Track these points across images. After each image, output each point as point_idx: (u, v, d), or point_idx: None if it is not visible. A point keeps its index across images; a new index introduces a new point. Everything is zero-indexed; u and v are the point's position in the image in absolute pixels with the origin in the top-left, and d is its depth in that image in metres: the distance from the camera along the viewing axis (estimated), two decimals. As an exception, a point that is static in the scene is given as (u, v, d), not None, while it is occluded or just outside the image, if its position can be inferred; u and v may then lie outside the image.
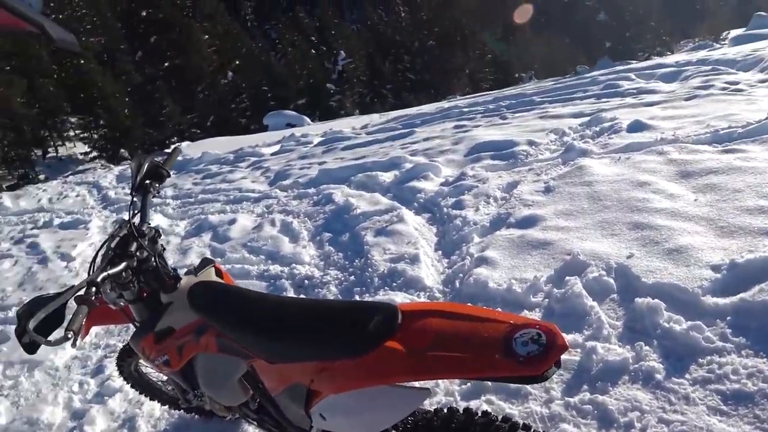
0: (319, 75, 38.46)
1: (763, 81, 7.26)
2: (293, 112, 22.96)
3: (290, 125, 19.63)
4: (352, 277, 3.87)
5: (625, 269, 2.89)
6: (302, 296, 3.79)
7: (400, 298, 3.33)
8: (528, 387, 2.39)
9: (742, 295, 2.49)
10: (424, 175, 5.64)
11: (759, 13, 19.05)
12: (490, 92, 15.74)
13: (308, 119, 21.95)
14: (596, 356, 2.38)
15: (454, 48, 39.66)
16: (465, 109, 10.59)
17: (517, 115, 8.54)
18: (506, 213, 4.15)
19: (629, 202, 3.69)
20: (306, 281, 4.02)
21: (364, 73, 41.44)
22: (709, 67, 9.23)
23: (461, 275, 3.43)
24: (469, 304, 2.84)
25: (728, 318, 2.42)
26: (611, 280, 2.87)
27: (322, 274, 4.06)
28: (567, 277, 2.98)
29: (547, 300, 2.92)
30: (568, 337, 2.56)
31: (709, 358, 2.26)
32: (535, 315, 2.87)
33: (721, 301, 2.49)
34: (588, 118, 6.67)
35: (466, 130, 7.92)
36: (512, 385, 2.37)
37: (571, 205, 3.96)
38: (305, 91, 37.59)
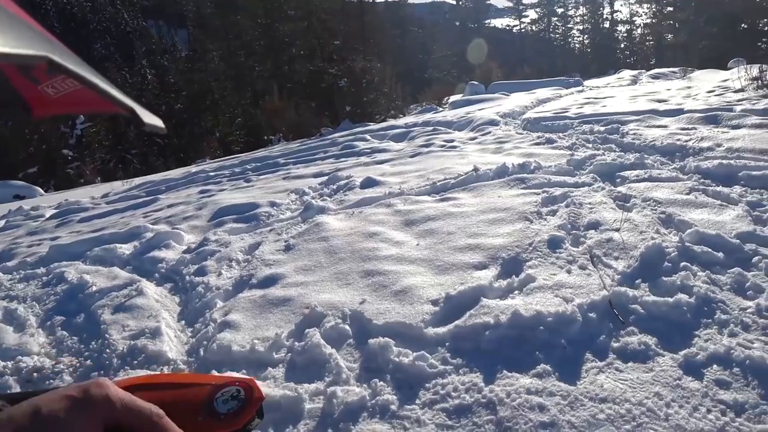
0: (52, 140, 35.24)
1: (472, 138, 9.30)
2: (22, 182, 20.85)
3: (18, 197, 18.46)
4: (89, 362, 3.76)
5: (358, 315, 3.49)
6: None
7: (136, 378, 3.37)
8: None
9: (456, 322, 3.27)
10: (165, 243, 5.86)
11: (472, 82, 23.97)
12: (239, 155, 16.36)
13: (41, 189, 20.70)
14: (337, 400, 2.84)
15: (203, 111, 40.63)
16: (211, 173, 11.20)
17: (261, 177, 9.42)
18: (248, 274, 4.52)
19: (361, 252, 4.40)
20: (35, 374, 3.74)
21: (106, 138, 39.38)
22: (431, 128, 11.39)
23: (205, 342, 3.65)
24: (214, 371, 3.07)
25: (447, 344, 3.14)
26: (347, 327, 3.42)
27: (54, 363, 3.84)
28: (307, 330, 3.45)
29: (289, 354, 3.32)
30: (311, 387, 2.99)
31: (434, 381, 2.90)
32: (279, 371, 3.24)
33: (441, 330, 3.23)
34: (327, 177, 7.80)
35: (211, 194, 8.51)
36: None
37: (309, 261, 4.52)
38: (37, 157, 34.02)
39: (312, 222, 5.46)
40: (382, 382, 2.95)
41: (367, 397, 2.86)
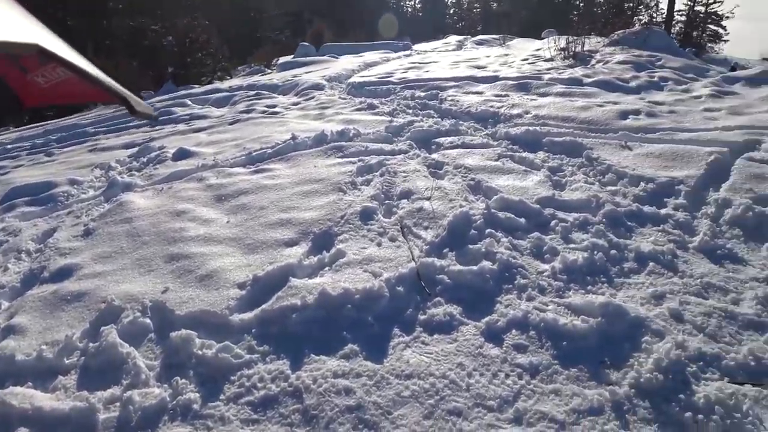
0: None
1: (296, 104, 9.02)
2: None
3: None
4: None
5: (160, 305, 3.23)
6: None
7: None
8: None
9: (263, 306, 3.14)
10: None
11: (303, 43, 23.19)
12: (45, 123, 14.48)
13: None
14: (134, 406, 2.60)
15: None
16: (9, 146, 9.79)
17: (66, 150, 8.45)
18: (40, 267, 4.03)
19: (167, 234, 4.08)
20: None
21: None
22: (254, 92, 10.92)
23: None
24: None
25: (253, 330, 3.00)
26: (147, 320, 3.16)
27: None
28: (102, 328, 3.13)
29: (83, 358, 3.00)
30: (106, 394, 2.72)
31: (239, 373, 2.76)
32: (70, 379, 2.90)
33: (246, 315, 3.08)
34: (138, 148, 7.16)
35: (4, 172, 7.45)
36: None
37: (109, 247, 4.12)
38: None
39: (116, 201, 4.98)
40: (184, 380, 2.74)
41: (168, 398, 2.65)
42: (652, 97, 7.31)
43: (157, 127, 8.85)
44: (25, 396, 2.75)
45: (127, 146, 7.58)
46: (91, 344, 3.04)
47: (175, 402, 2.63)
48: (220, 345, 2.89)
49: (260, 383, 2.70)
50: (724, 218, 4.00)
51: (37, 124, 14.96)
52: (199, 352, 2.86)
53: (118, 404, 2.67)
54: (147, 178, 5.64)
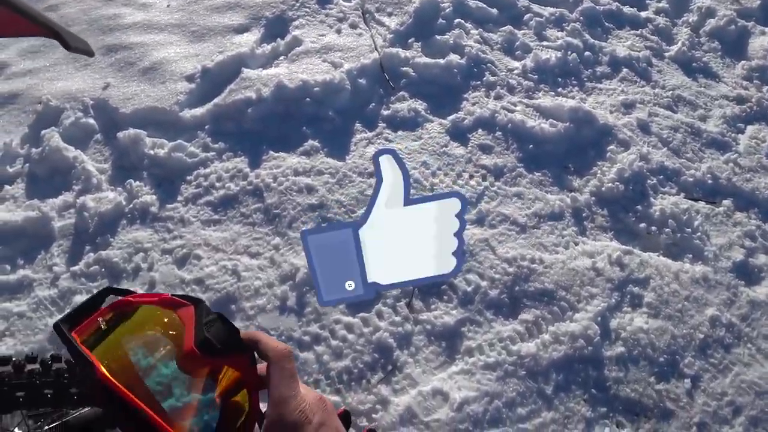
0: None
1: None
2: None
3: None
4: None
5: (103, 103, 2.98)
6: None
7: None
8: (30, 273, 2.36)
9: (216, 100, 2.92)
10: None
11: None
12: None
13: None
14: (89, 212, 2.50)
15: None
16: None
17: None
18: (-41, 65, 3.60)
19: (99, 21, 3.65)
20: None
21: None
22: None
23: None
24: None
25: (207, 127, 2.83)
26: (91, 120, 2.93)
27: None
28: (43, 131, 2.89)
29: (27, 165, 2.81)
30: (58, 201, 2.59)
31: (195, 173, 2.64)
32: (18, 188, 2.74)
33: (198, 111, 2.88)
34: None
35: None
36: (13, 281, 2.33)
37: (37, 41, 3.67)
38: None
39: (38, -16, 4.38)
40: (138, 182, 2.61)
41: (124, 202, 2.54)
42: None
43: None
44: (-28, 208, 2.61)
45: None
46: (33, 150, 2.83)
47: (131, 206, 2.53)
48: (172, 144, 2.72)
49: (218, 183, 2.59)
50: (705, 29, 3.77)
51: None
52: (151, 152, 2.69)
53: (72, 211, 2.56)
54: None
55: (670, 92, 3.24)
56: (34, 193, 2.68)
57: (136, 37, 3.44)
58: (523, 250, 2.33)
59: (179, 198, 2.55)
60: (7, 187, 2.74)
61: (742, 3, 4.05)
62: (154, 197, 2.55)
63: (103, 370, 0.53)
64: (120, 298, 0.62)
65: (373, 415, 1.91)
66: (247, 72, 3.04)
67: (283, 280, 2.21)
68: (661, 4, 3.94)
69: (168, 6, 3.72)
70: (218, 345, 0.56)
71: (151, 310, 0.61)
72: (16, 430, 1.73)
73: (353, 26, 3.42)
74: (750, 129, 3.16)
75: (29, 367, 1.39)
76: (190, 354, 0.55)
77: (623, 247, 2.41)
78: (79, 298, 2.23)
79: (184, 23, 3.52)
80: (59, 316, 0.58)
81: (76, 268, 2.35)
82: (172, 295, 0.64)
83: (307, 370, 1.99)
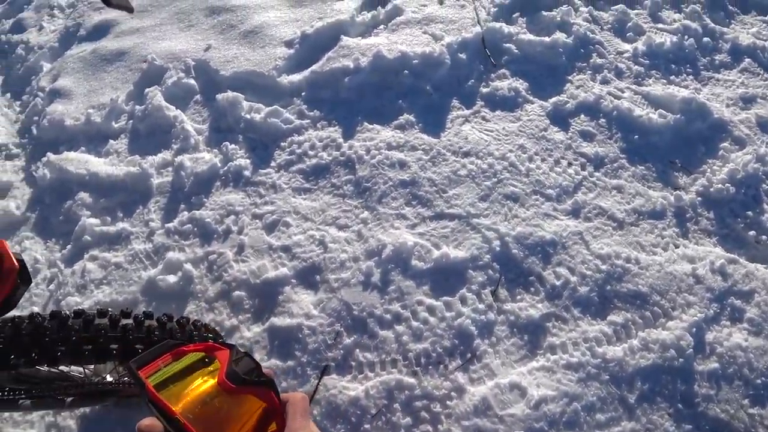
0: None
1: None
2: None
3: None
4: None
5: (204, 65, 3.04)
6: None
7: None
8: (128, 227, 2.46)
9: (313, 67, 2.91)
10: None
11: None
12: None
13: None
14: (185, 171, 2.57)
15: None
16: None
17: None
18: (75, 24, 3.81)
19: (205, -18, 3.69)
20: None
21: None
22: None
23: (36, 118, 3.14)
24: (50, 154, 2.71)
25: (303, 93, 2.83)
26: (192, 81, 3.00)
27: None
28: (146, 89, 3.00)
29: (130, 122, 2.93)
30: (157, 159, 2.68)
31: (289, 139, 2.65)
32: (120, 143, 2.86)
33: (296, 77, 2.89)
34: None
35: None
36: (113, 232, 2.44)
37: (144, 0, 3.78)
38: None
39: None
40: (233, 145, 2.66)
41: (219, 164, 2.60)
42: None
43: None
44: (80, 161, 2.74)
45: None
46: (137, 107, 2.94)
47: (226, 168, 2.57)
48: (269, 109, 2.74)
49: (311, 151, 2.59)
50: None
51: None
52: (248, 116, 2.73)
53: (170, 169, 2.64)
54: None
55: (797, 86, 2.95)
56: (135, 149, 2.79)
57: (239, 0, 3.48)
58: (618, 247, 2.22)
59: (272, 164, 2.58)
60: (111, 141, 2.86)
61: None
62: (248, 161, 2.59)
63: (157, 394, 0.63)
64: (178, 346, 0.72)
65: (448, 402, 1.89)
66: (345, 40, 3.01)
67: (369, 256, 2.20)
68: (794, -14, 3.58)
69: (272, -32, 3.73)
70: (243, 375, 0.66)
71: (198, 354, 0.72)
72: (108, 376, 1.84)
73: (456, -3, 3.32)
74: None
75: (123, 321, 1.46)
76: (222, 385, 0.66)
77: (728, 255, 2.24)
78: (172, 255, 2.31)
79: (284, -13, 3.52)
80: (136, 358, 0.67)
81: (170, 225, 2.43)
82: (214, 342, 0.76)
83: (385, 349, 1.99)
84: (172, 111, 2.84)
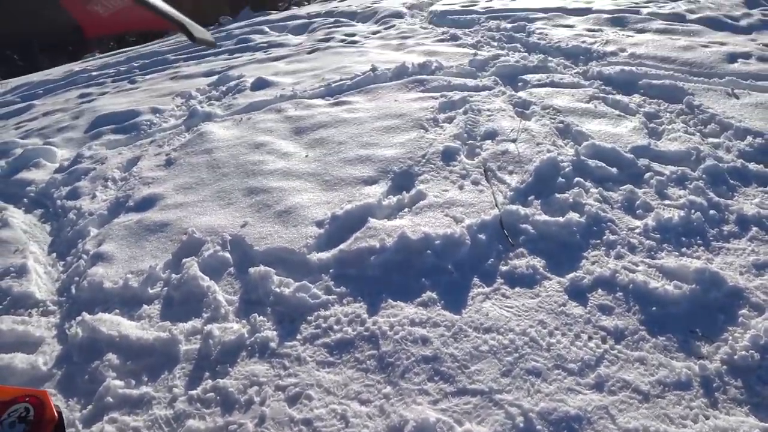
0: None
1: (375, 32, 8.75)
2: None
3: None
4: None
5: (239, 240, 3.24)
6: None
7: (6, 324, 3.03)
8: (151, 391, 2.49)
9: (341, 246, 3.10)
10: (35, 162, 5.29)
11: None
12: (128, 50, 14.86)
13: None
14: (213, 340, 2.64)
15: (88, -1, 36.03)
16: (95, 73, 10.12)
17: (148, 77, 8.60)
18: (125, 196, 4.15)
19: (245, 166, 4.08)
20: None
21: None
22: (333, 19, 10.64)
23: (77, 279, 3.32)
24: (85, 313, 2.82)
25: (331, 270, 2.97)
26: (227, 254, 3.18)
27: None
28: (184, 260, 3.18)
29: (165, 289, 3.07)
30: (187, 326, 2.77)
31: (316, 314, 2.75)
32: (154, 308, 2.98)
33: (324, 255, 3.05)
34: (217, 76, 7.18)
35: (91, 99, 7.70)
36: (135, 395, 2.47)
37: (191, 178, 4.17)
38: None
39: (196, 131, 5.02)
40: (262, 317, 2.76)
41: (246, 335, 2.68)
42: (764, 39, 6.63)
43: (235, 55, 8.81)
44: (112, 323, 2.85)
45: (206, 74, 7.60)
46: (173, 275, 3.10)
47: (253, 339, 2.65)
48: (297, 284, 2.88)
49: (337, 326, 2.68)
50: None
51: (122, 50, 15.27)
52: (277, 290, 2.86)
53: (198, 337, 2.72)
54: (226, 108, 5.64)
55: (807, 252, 3.05)
56: (167, 316, 2.90)
57: (276, 182, 3.80)
58: (646, 420, 2.18)
59: (298, 336, 2.65)
60: (145, 306, 2.99)
61: None
62: (274, 333, 2.67)
63: None
64: None
65: None
66: (372, 222, 3.23)
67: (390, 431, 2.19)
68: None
69: (306, 156, 4.11)
70: None
71: None
72: None
73: (475, 183, 3.60)
74: None
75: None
76: None
77: (762, 424, 2.17)
78: (192, 422, 2.32)
79: (319, 173, 3.86)
80: None
81: (193, 392, 2.45)
82: None
83: None
84: (206, 281, 2.99)
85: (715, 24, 7.24)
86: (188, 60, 9.28)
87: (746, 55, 5.77)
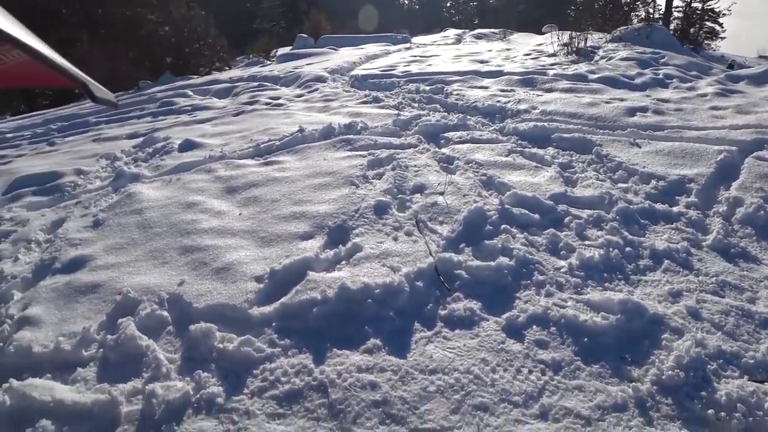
0: None
1: (299, 96, 9.04)
2: None
3: None
4: None
5: (177, 298, 3.22)
6: None
7: None
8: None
9: (283, 299, 3.14)
10: None
11: (301, 35, 23.31)
12: (44, 112, 14.39)
13: None
14: (157, 399, 2.60)
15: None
16: (9, 135, 9.80)
17: (68, 139, 8.51)
18: (51, 258, 4.02)
19: (179, 225, 4.08)
20: None
21: None
22: (257, 83, 10.87)
23: (1, 344, 3.16)
24: (12, 380, 2.71)
25: (274, 324, 3.01)
26: (165, 313, 3.16)
27: None
28: (120, 320, 3.12)
29: (101, 350, 2.99)
30: (127, 387, 2.71)
31: (261, 367, 2.76)
32: (89, 371, 2.89)
33: (266, 309, 3.09)
34: (142, 138, 7.22)
35: (6, 161, 7.49)
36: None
37: (121, 238, 4.11)
38: None
39: (124, 192, 4.98)
40: (206, 373, 2.74)
41: (191, 392, 2.65)
42: (658, 95, 7.35)
43: (159, 117, 8.83)
44: (45, 388, 2.74)
45: (130, 136, 7.59)
46: (109, 336, 3.03)
47: (198, 396, 2.63)
48: (241, 338, 2.89)
49: (284, 377, 2.70)
50: (736, 216, 4.06)
51: (36, 112, 14.82)
52: (220, 346, 2.86)
53: (140, 397, 2.67)
54: (154, 169, 5.62)
55: (714, 278, 3.38)
56: (104, 378, 2.82)
57: (211, 240, 3.82)
58: (589, 447, 2.34)
59: (245, 391, 2.65)
60: (79, 369, 2.90)
61: (767, 190, 4.35)
62: (221, 389, 2.65)
63: None
64: None
65: None
66: (312, 275, 3.31)
67: (344, 478, 2.23)
68: (690, 199, 4.30)
69: (240, 214, 4.16)
70: None
71: None
72: None
73: (408, 234, 3.76)
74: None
75: None
76: None
77: None
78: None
79: (253, 230, 3.91)
80: None
81: (136, 457, 2.41)
82: None
83: None
84: (145, 340, 2.95)
85: (614, 83, 7.97)
86: (110, 122, 9.22)
87: (644, 109, 6.39)
